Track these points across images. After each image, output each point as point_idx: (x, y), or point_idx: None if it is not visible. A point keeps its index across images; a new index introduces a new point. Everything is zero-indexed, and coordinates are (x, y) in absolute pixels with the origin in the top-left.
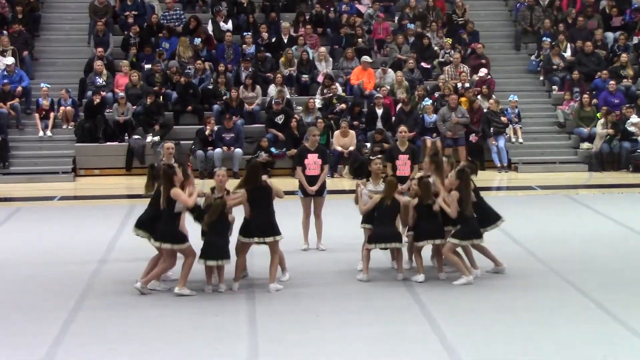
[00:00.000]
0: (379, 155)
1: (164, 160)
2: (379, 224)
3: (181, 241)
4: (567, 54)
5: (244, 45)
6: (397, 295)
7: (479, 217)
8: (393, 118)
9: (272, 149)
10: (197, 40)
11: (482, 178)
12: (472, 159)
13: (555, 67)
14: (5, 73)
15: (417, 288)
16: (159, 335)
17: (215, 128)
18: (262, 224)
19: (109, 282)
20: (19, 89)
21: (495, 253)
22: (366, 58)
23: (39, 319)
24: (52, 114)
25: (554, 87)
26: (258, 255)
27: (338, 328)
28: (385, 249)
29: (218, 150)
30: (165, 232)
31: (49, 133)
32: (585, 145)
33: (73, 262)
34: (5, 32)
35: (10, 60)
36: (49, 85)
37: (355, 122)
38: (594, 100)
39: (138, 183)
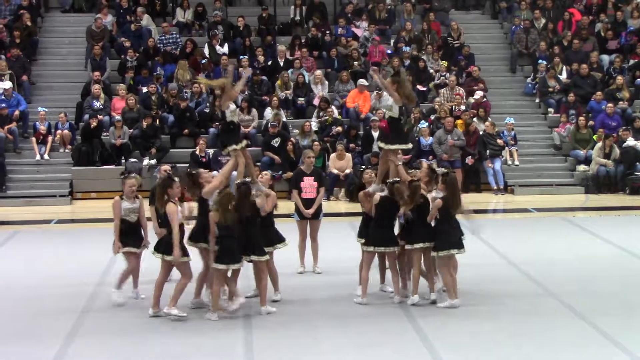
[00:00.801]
0: (369, 166)
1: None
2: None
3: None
4: (563, 76)
5: (240, 69)
6: (394, 320)
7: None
8: None
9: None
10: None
11: (478, 200)
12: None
13: (551, 89)
14: (3, 97)
15: (414, 312)
16: (157, 358)
17: (211, 151)
18: (244, 242)
19: (105, 306)
20: (17, 112)
21: (494, 275)
22: (362, 81)
23: (36, 343)
24: (49, 138)
25: (550, 109)
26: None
27: (335, 353)
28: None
29: (215, 173)
30: (167, 244)
31: (46, 157)
32: (581, 167)
33: (70, 285)
34: (2, 56)
35: (7, 84)
36: (46, 110)
37: (352, 145)
38: (590, 123)
39: None
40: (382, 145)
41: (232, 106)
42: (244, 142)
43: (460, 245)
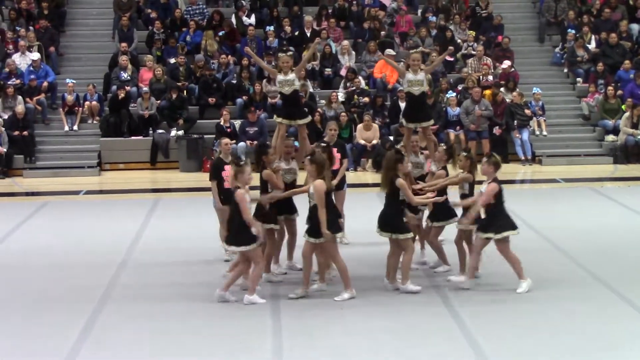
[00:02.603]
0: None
1: (221, 157)
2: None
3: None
4: (592, 45)
5: (270, 39)
6: (423, 294)
7: None
8: None
9: (296, 143)
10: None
11: (505, 171)
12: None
13: (579, 59)
14: (32, 68)
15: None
16: (183, 329)
17: (237, 122)
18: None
19: (133, 276)
20: (45, 84)
21: (520, 246)
22: (389, 51)
23: (65, 312)
24: (78, 109)
25: (579, 79)
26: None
27: (364, 322)
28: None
29: (242, 144)
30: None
31: (75, 128)
32: (610, 137)
33: (99, 255)
34: (31, 27)
35: (36, 55)
36: (74, 81)
37: (379, 119)
38: (619, 92)
39: (162, 177)
40: (404, 122)
41: (279, 77)
42: (280, 119)
43: (386, 228)
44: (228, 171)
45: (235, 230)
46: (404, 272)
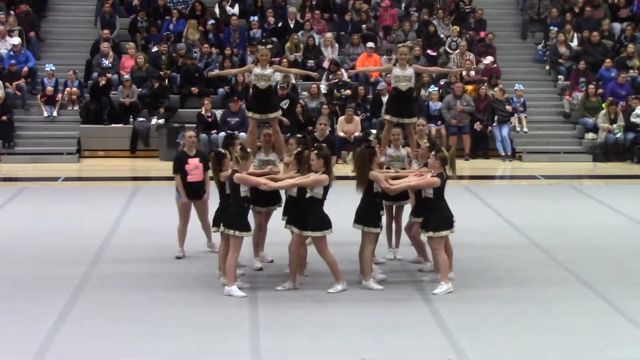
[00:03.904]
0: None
1: (185, 150)
2: None
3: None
4: (574, 43)
5: (254, 30)
6: (401, 285)
7: None
8: None
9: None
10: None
11: (485, 166)
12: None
13: (561, 56)
14: (12, 53)
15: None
16: (159, 319)
17: (219, 112)
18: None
19: (110, 264)
20: (25, 69)
21: (499, 242)
22: (370, 44)
23: (41, 299)
24: (58, 96)
25: (560, 76)
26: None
27: (340, 316)
28: None
29: (222, 133)
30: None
31: (54, 114)
32: (590, 135)
33: (76, 242)
34: (12, 12)
35: (16, 40)
36: (54, 68)
37: (361, 112)
38: (600, 91)
39: (142, 165)
40: (386, 116)
41: (256, 70)
42: (250, 113)
43: (359, 221)
44: (192, 164)
45: (232, 214)
46: (365, 268)
